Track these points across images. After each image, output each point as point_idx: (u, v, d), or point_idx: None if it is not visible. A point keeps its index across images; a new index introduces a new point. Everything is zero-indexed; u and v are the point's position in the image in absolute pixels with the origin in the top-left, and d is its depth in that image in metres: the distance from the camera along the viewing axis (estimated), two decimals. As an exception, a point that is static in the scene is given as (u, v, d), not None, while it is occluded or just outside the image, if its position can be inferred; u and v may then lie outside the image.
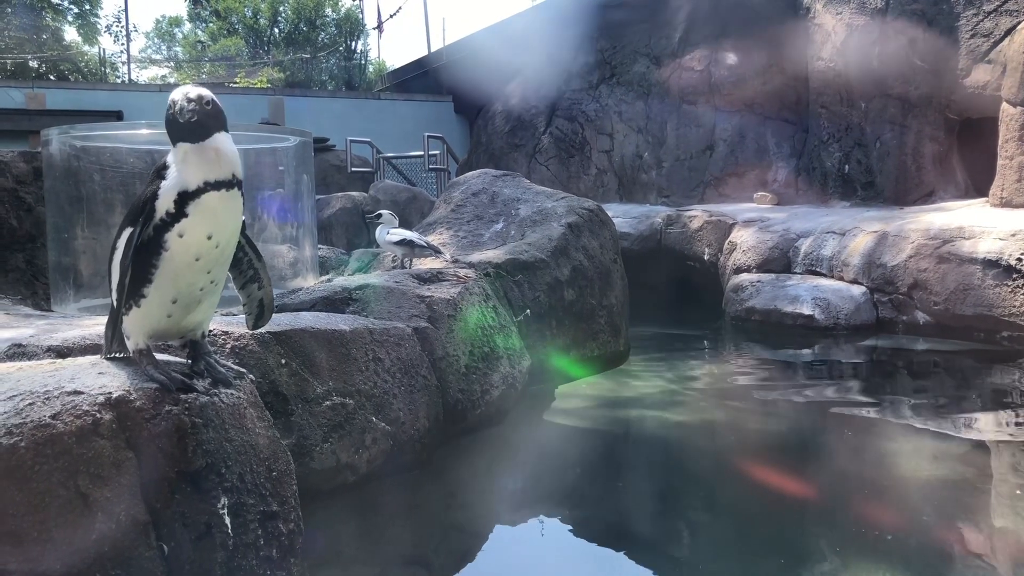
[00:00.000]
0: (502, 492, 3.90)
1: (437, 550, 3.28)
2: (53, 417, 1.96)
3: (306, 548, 2.46)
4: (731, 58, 12.22)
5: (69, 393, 2.04)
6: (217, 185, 2.18)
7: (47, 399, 2.00)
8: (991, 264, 6.75)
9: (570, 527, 3.48)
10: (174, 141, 2.19)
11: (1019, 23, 8.57)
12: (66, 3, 30.22)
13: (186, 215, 2.15)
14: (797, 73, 11.40)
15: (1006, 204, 8.17)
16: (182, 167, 2.17)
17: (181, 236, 2.16)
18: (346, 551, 3.08)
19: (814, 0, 11.00)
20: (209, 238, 2.20)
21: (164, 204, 2.15)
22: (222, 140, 2.21)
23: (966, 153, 9.88)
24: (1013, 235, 6.78)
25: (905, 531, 3.28)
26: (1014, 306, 6.57)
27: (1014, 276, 6.58)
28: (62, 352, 2.92)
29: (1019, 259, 6.57)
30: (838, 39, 10.55)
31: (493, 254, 5.69)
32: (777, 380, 6.20)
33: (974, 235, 7.08)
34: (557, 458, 4.40)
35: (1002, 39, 8.80)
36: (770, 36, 11.69)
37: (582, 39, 14.86)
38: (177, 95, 2.18)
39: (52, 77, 27.53)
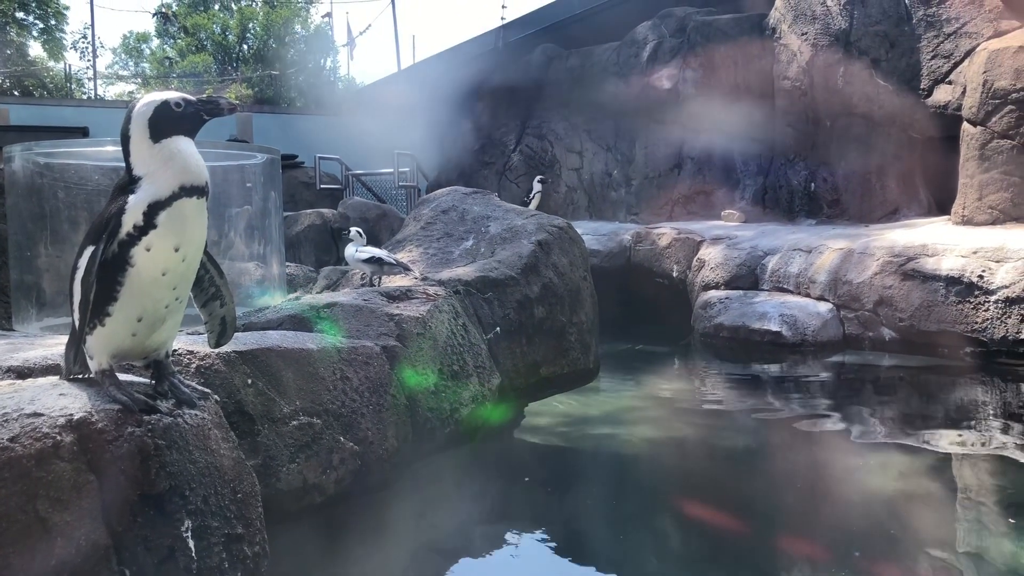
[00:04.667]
0: (472, 511, 3.88)
1: (406, 571, 3.26)
2: (12, 440, 1.92)
3: (272, 571, 2.43)
4: (699, 77, 12.35)
5: (29, 415, 2.00)
6: (191, 191, 2.20)
7: (5, 421, 1.96)
8: (954, 281, 6.86)
9: (540, 545, 3.46)
10: (164, 136, 2.21)
11: (978, 45, 8.76)
12: (31, 19, 29.91)
13: (155, 226, 2.15)
14: (764, 92, 11.54)
15: (967, 222, 8.32)
16: (160, 171, 2.18)
17: (148, 250, 2.15)
18: (313, 573, 3.04)
19: (780, 21, 11.17)
20: (176, 250, 2.19)
21: (132, 218, 2.14)
22: (193, 146, 2.27)
23: (929, 172, 10.05)
24: (975, 252, 6.90)
25: (870, 546, 3.30)
26: (976, 322, 6.68)
27: (976, 293, 6.69)
28: (23, 373, 2.86)
29: (980, 276, 6.68)
30: (803, 59, 10.72)
31: (463, 271, 5.68)
32: (745, 397, 6.25)
33: (937, 252, 7.19)
34: (527, 476, 4.39)
35: (962, 60, 8.99)
36: (737, 56, 11.85)
37: (551, 57, 14.98)
38: (171, 96, 2.28)
39: (16, 93, 27.21)
